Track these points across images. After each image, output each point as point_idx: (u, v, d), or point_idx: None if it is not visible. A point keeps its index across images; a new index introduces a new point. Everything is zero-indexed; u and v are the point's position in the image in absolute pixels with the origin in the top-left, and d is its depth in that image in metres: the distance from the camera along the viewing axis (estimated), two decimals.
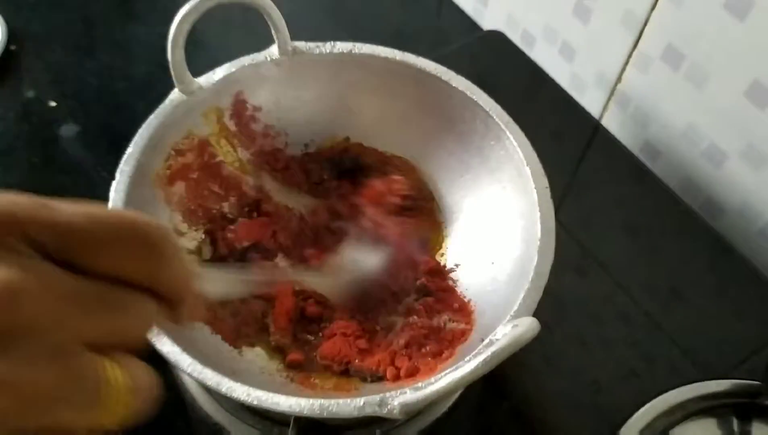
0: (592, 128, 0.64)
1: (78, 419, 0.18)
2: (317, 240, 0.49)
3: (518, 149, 0.43)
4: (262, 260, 0.48)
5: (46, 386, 0.18)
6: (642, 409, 0.45)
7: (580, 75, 0.66)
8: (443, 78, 0.46)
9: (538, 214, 0.40)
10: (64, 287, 0.18)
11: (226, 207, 0.48)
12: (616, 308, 0.52)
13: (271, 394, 0.34)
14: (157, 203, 0.44)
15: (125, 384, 0.19)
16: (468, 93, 0.46)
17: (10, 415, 0.17)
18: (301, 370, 0.43)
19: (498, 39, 0.70)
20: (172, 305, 0.22)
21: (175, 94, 0.45)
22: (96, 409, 0.19)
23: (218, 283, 0.32)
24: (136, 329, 0.21)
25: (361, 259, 0.45)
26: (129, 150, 0.42)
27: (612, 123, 0.65)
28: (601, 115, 0.66)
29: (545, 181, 0.42)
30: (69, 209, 0.19)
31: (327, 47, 0.48)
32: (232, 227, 0.48)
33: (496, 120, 0.44)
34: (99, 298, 0.19)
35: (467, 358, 0.33)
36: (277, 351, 0.44)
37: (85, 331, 0.19)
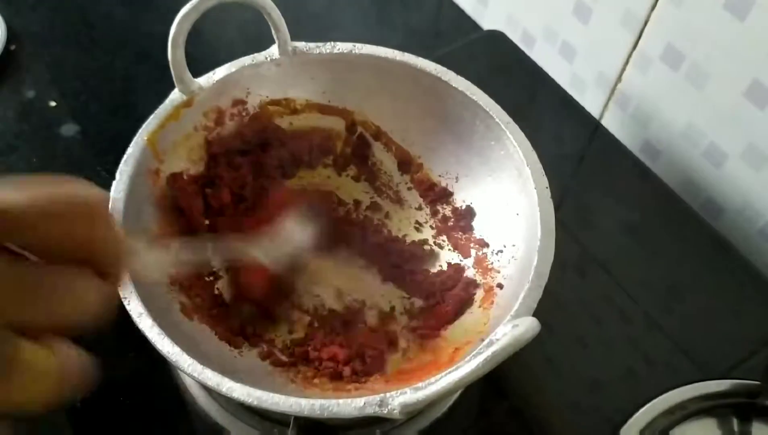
0: (592, 128, 0.64)
1: None
2: None
3: (518, 149, 0.43)
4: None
5: None
6: (642, 409, 0.45)
7: (580, 75, 0.66)
8: (443, 78, 0.46)
9: (538, 214, 0.40)
10: None
11: None
12: (616, 308, 0.52)
13: (271, 395, 0.34)
14: (157, 204, 0.44)
15: (47, 366, 0.20)
16: (468, 93, 0.46)
17: None
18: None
19: (498, 39, 0.70)
20: (107, 273, 0.22)
21: (175, 94, 0.45)
22: (4, 386, 0.19)
23: (152, 259, 0.32)
24: (73, 312, 0.21)
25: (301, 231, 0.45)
26: (129, 150, 0.42)
27: (612, 123, 0.65)
28: (601, 115, 0.66)
29: (545, 181, 0.42)
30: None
31: (327, 47, 0.48)
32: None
33: (496, 120, 0.44)
34: (31, 283, 0.19)
35: (467, 358, 0.33)
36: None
37: (12, 315, 0.19)
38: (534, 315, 0.35)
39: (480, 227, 0.48)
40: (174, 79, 0.44)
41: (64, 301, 0.20)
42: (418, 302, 0.47)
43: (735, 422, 0.44)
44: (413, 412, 0.33)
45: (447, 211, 0.50)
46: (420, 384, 0.33)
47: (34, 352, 0.20)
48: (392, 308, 0.48)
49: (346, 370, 0.42)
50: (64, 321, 0.20)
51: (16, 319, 0.19)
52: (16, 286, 0.19)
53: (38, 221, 0.20)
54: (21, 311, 0.19)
